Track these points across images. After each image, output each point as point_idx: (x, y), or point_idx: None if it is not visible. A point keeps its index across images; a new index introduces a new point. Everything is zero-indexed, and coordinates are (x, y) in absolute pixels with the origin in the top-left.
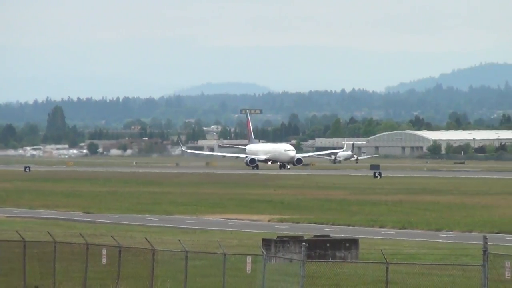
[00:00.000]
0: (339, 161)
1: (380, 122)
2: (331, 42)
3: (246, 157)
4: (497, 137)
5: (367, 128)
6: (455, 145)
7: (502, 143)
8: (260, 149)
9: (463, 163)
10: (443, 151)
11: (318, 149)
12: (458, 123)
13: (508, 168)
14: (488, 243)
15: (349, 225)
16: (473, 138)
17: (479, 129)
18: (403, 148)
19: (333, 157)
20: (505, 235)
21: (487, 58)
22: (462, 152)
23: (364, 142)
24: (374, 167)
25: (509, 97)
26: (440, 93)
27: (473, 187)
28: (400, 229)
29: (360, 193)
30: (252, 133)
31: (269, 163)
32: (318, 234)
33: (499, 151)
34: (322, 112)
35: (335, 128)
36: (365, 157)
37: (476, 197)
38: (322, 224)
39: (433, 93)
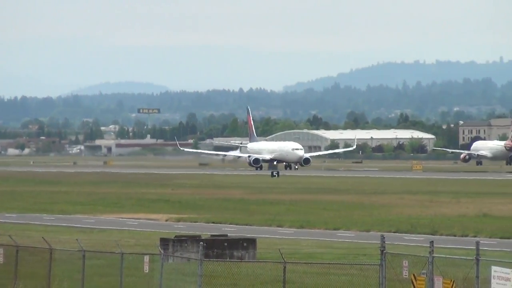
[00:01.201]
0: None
1: (278, 122)
2: (229, 42)
3: (249, 156)
4: (395, 136)
5: (265, 127)
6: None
7: (400, 142)
8: (264, 148)
9: (361, 162)
10: None
11: (216, 148)
12: (356, 122)
13: (405, 167)
14: (386, 242)
15: (247, 225)
16: (371, 137)
17: (377, 128)
18: None
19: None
20: (403, 234)
21: (385, 57)
22: (360, 151)
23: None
24: (272, 167)
25: (407, 96)
26: (338, 92)
27: (370, 186)
28: (298, 228)
29: (258, 192)
30: (253, 130)
31: (275, 163)
32: (215, 233)
33: (396, 150)
34: (220, 111)
35: (233, 128)
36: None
37: (374, 196)
38: (220, 223)
39: (331, 92)
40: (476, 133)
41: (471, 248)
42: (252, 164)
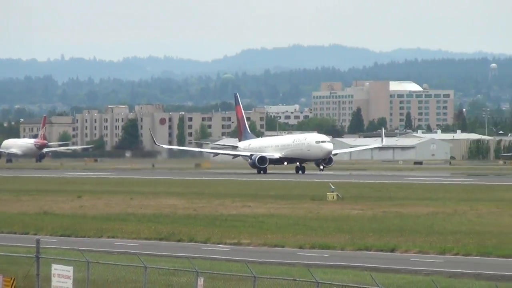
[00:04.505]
0: None
1: None
2: None
3: (252, 155)
4: None
5: None
6: None
7: None
8: (268, 144)
9: None
10: None
11: None
12: None
13: None
14: None
15: None
16: None
17: None
18: None
19: None
20: None
21: None
22: None
23: None
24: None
25: None
26: None
27: None
28: None
29: None
30: (246, 124)
31: (285, 163)
32: None
33: None
34: None
35: None
36: None
37: None
38: None
39: None
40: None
41: (32, 246)
42: (257, 164)
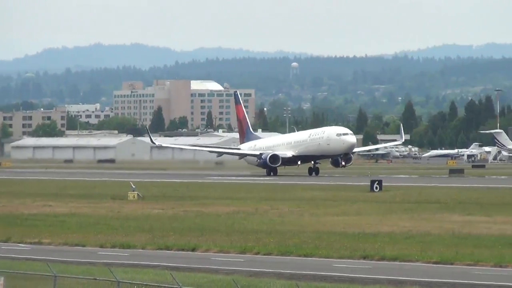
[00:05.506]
0: None
1: None
2: None
3: (261, 154)
4: None
5: None
6: None
7: None
8: (280, 142)
9: None
10: None
11: None
12: None
13: None
14: None
15: None
16: None
17: None
18: None
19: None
20: None
21: None
22: None
23: None
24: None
25: None
26: None
27: None
28: None
29: None
30: (249, 124)
31: (299, 162)
32: None
33: None
34: None
35: None
36: None
37: None
38: None
39: None
40: None
41: None
42: (269, 163)
